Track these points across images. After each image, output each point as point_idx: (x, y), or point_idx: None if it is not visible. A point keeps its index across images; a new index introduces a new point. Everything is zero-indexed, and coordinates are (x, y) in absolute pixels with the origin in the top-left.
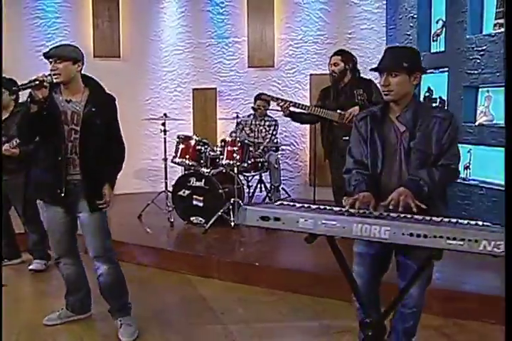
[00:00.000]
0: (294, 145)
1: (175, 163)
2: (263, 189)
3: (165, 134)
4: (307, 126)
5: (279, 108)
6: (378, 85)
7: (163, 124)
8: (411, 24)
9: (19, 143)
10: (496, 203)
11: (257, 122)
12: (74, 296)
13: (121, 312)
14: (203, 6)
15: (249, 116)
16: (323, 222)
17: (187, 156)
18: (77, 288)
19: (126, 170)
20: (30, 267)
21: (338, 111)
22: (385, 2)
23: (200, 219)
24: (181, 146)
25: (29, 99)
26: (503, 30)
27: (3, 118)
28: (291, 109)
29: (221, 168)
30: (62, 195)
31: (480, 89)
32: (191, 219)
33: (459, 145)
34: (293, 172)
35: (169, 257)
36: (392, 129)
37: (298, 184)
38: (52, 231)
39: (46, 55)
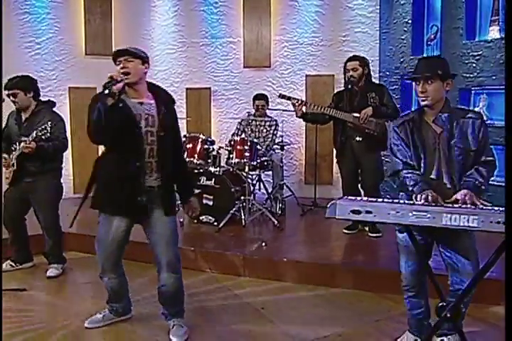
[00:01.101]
0: (289, 145)
1: None
2: (261, 187)
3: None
4: (302, 126)
5: (294, 108)
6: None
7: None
8: (405, 29)
9: (35, 138)
10: (492, 197)
11: (258, 122)
12: (117, 303)
13: (176, 315)
14: (196, 6)
15: (248, 115)
16: (414, 213)
17: (195, 156)
18: (120, 296)
19: None
20: (49, 274)
21: (355, 114)
22: (378, 7)
23: (210, 217)
24: (189, 146)
25: (105, 92)
26: (498, 36)
27: (24, 117)
28: (303, 109)
29: (228, 167)
30: (142, 202)
31: (473, 91)
32: (201, 218)
33: None
34: (288, 171)
35: (191, 256)
36: (429, 131)
37: (293, 182)
38: (107, 245)
39: (116, 54)
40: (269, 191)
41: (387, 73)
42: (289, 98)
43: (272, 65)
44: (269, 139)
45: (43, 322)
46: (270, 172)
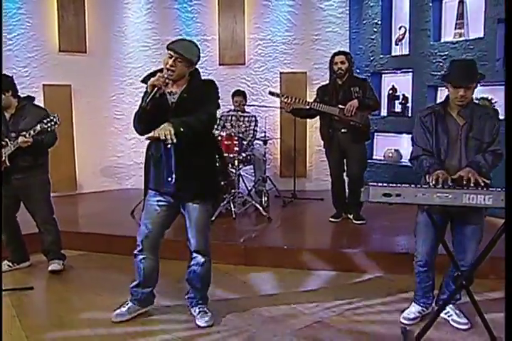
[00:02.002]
0: (271, 139)
1: None
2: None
3: None
4: (277, 121)
5: (284, 104)
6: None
7: None
8: (375, 29)
9: (38, 132)
10: None
11: (237, 117)
12: (144, 289)
13: (201, 301)
14: (170, 4)
15: (228, 111)
16: (438, 195)
17: None
18: (151, 281)
19: (92, 168)
20: (50, 268)
21: (340, 106)
22: (348, 8)
23: None
24: None
25: (151, 89)
26: (463, 38)
27: (9, 114)
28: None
29: None
30: (172, 181)
31: (440, 88)
32: None
33: None
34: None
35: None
36: (453, 123)
37: (268, 175)
38: (148, 223)
39: (172, 48)
40: (250, 185)
41: (358, 71)
42: (278, 95)
43: (246, 63)
44: (251, 134)
45: (65, 320)
46: (250, 167)
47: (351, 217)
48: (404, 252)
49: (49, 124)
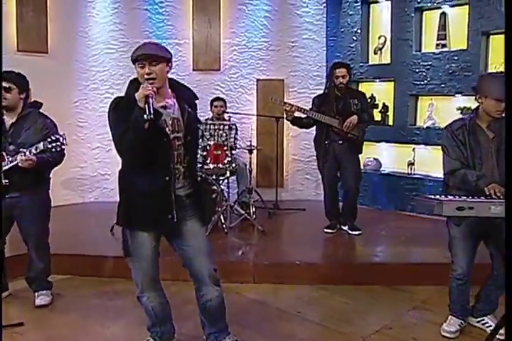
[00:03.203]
0: (258, 149)
1: None
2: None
3: None
4: (253, 130)
5: (285, 112)
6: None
7: None
8: (354, 37)
9: (34, 153)
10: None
11: (217, 126)
12: (161, 327)
13: (224, 332)
14: (139, 4)
15: (206, 120)
16: None
17: None
18: (164, 319)
19: (53, 179)
20: (38, 302)
21: (338, 117)
22: (325, 16)
23: None
24: None
25: (145, 118)
26: (446, 49)
27: (10, 122)
28: (295, 113)
29: (201, 174)
30: (175, 220)
31: (420, 97)
32: None
33: (408, 145)
34: None
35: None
36: (483, 136)
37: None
38: (141, 260)
39: (140, 57)
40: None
41: None
42: (280, 102)
43: (221, 69)
44: (231, 143)
45: None
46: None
47: (346, 228)
48: (416, 263)
49: (53, 144)
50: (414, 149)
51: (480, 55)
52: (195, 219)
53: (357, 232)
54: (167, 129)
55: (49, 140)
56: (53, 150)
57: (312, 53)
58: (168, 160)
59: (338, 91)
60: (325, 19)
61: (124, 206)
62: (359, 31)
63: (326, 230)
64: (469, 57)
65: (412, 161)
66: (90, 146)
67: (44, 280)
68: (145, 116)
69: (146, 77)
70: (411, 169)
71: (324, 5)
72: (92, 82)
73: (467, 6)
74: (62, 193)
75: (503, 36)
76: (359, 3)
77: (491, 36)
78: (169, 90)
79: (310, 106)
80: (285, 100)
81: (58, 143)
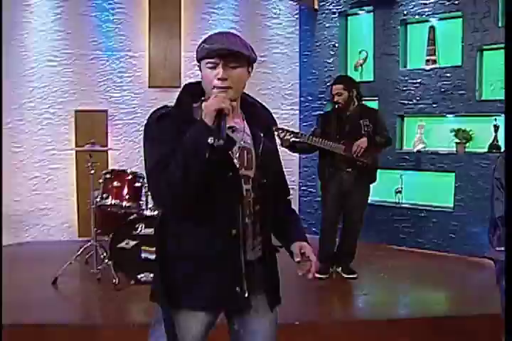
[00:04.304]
0: None
1: (105, 206)
2: None
3: (92, 168)
4: None
5: (279, 139)
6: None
7: (90, 156)
8: (331, 52)
9: None
10: (437, 224)
11: None
12: None
13: None
14: (85, 10)
15: None
16: None
17: (124, 197)
18: None
19: None
20: None
21: (345, 142)
22: (298, 28)
23: (152, 275)
24: (114, 184)
25: (213, 133)
26: (437, 65)
27: None
28: (292, 139)
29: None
30: (246, 295)
31: (408, 118)
32: (139, 277)
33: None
34: None
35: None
36: None
37: None
38: None
39: (214, 53)
40: None
41: (310, 98)
42: (275, 129)
43: (181, 85)
44: None
45: None
46: None
47: (339, 270)
48: (440, 316)
49: None
50: (402, 176)
51: (476, 73)
52: (267, 297)
53: (352, 276)
54: (236, 163)
55: None
56: None
57: (284, 69)
58: (236, 209)
59: (342, 110)
60: (298, 32)
61: (166, 275)
62: (337, 45)
63: (317, 275)
64: (464, 74)
65: (400, 189)
66: (27, 176)
67: None
68: (210, 139)
69: (216, 83)
70: (398, 198)
71: (297, 16)
72: (28, 100)
73: (459, 19)
74: None
75: (500, 51)
76: (336, 15)
77: (487, 52)
78: (238, 107)
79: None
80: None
81: None
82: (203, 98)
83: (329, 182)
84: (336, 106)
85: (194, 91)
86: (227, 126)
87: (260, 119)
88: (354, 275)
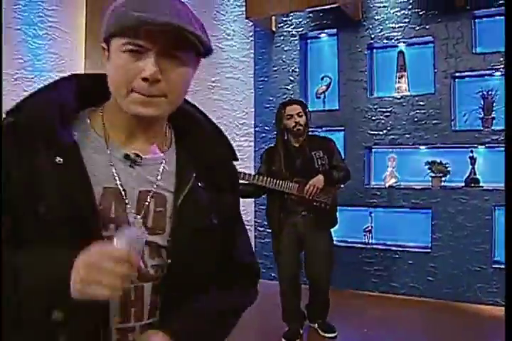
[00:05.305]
0: None
1: None
2: None
3: None
4: None
5: None
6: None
7: None
8: (291, 78)
9: None
10: (413, 266)
11: None
12: None
13: None
14: (9, 23)
15: None
16: None
17: None
18: None
19: None
20: None
21: (295, 179)
22: (253, 51)
23: None
24: None
25: None
26: (408, 93)
27: None
28: None
29: None
30: None
31: (376, 150)
32: None
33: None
34: None
35: None
36: None
37: None
38: None
39: (154, 29)
40: None
41: (266, 128)
42: None
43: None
44: None
45: None
46: None
47: (316, 326)
48: None
49: None
50: (371, 213)
51: (451, 101)
52: None
53: (332, 335)
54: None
55: None
56: None
57: (237, 96)
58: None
59: (295, 140)
60: (253, 55)
61: None
62: (297, 70)
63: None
64: (438, 103)
65: (370, 228)
66: None
67: None
68: None
69: (140, 86)
70: (368, 238)
71: (252, 38)
72: None
73: (431, 45)
74: None
75: (476, 79)
76: (296, 37)
77: (459, 79)
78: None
79: (259, 165)
80: None
81: None
82: (100, 109)
83: (281, 230)
84: (296, 130)
85: (80, 90)
86: (125, 153)
87: (204, 149)
88: (334, 334)
